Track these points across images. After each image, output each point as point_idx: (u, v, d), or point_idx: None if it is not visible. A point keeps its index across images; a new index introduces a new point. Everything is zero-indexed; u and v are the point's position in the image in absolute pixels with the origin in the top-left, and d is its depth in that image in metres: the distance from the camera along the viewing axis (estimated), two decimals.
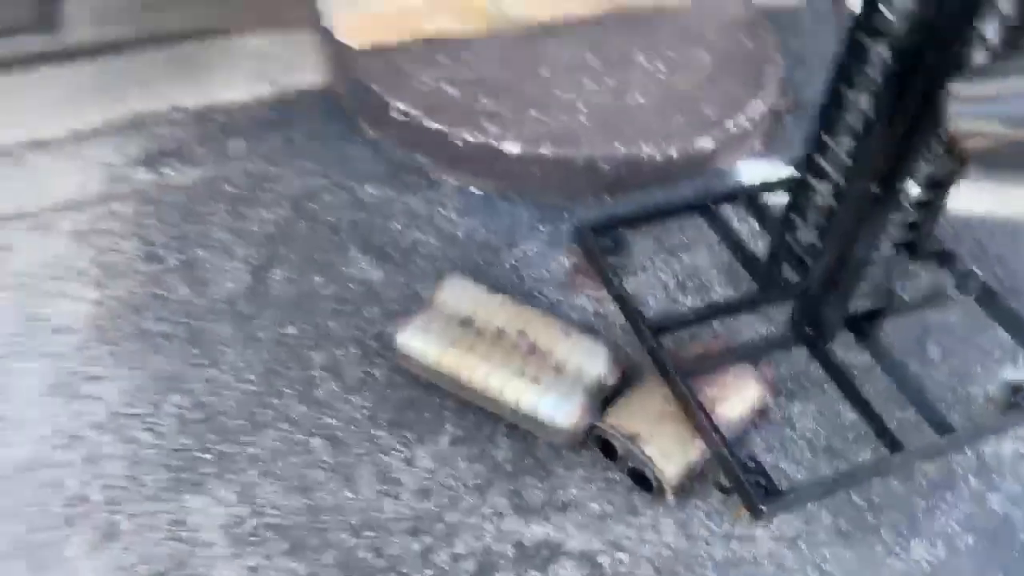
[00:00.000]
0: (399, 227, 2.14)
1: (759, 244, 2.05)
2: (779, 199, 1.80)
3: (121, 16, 2.69)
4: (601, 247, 1.94)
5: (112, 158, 2.26)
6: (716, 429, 1.59)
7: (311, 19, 2.61)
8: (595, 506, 1.67)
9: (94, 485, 1.61)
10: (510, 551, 1.59)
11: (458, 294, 1.83)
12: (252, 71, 2.56)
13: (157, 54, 2.58)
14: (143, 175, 2.22)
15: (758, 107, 2.40)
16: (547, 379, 1.69)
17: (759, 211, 2.03)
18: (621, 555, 1.61)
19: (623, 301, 1.83)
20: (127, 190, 2.18)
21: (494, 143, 2.17)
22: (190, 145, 2.31)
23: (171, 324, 1.88)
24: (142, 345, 1.83)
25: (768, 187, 2.06)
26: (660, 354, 1.70)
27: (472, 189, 2.23)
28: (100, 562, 1.51)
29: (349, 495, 1.64)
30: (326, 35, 2.51)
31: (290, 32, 2.68)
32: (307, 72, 2.58)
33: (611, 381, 1.75)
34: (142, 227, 2.09)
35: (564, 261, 2.08)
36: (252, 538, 1.56)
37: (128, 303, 1.91)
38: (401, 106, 2.24)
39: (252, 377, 1.80)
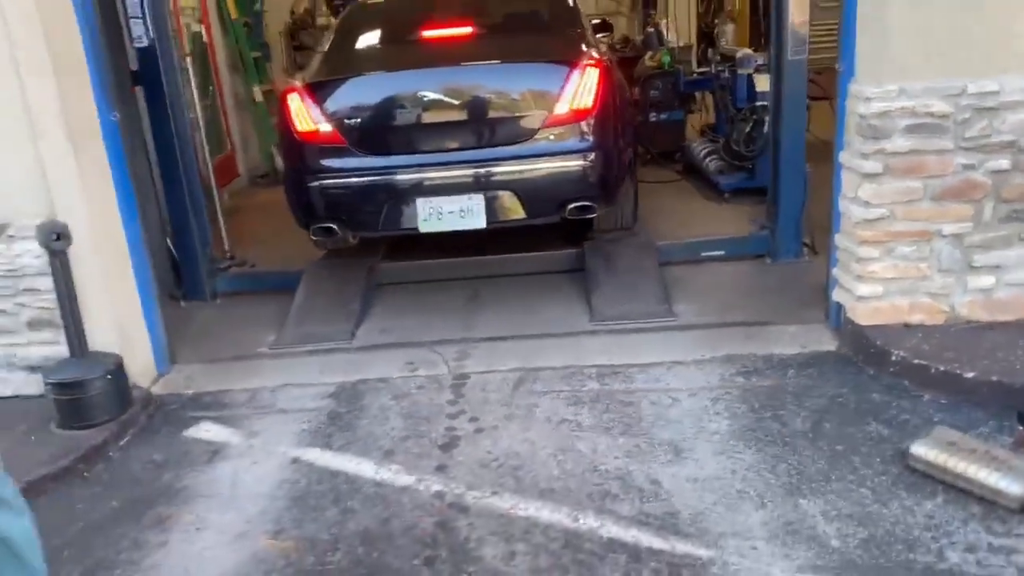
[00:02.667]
0: (895, 413, 3.63)
1: None
2: None
3: (710, 312, 4.80)
4: None
5: (721, 371, 4.13)
6: None
7: (822, 318, 4.46)
8: None
9: None
10: None
11: (949, 433, 3.25)
12: (790, 340, 4.38)
13: (734, 331, 4.56)
14: (740, 380, 4.04)
15: None
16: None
17: None
18: None
19: None
20: (732, 385, 3.99)
21: (957, 371, 3.64)
22: (763, 370, 4.11)
23: (779, 447, 3.51)
24: (771, 448, 3.48)
25: None
26: None
27: (942, 399, 3.68)
28: None
29: None
30: (839, 320, 4.29)
31: (809, 324, 4.52)
32: (823, 344, 4.34)
33: None
34: (745, 400, 3.84)
35: (1008, 437, 3.39)
36: None
37: (748, 428, 3.61)
38: (896, 352, 3.85)
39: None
